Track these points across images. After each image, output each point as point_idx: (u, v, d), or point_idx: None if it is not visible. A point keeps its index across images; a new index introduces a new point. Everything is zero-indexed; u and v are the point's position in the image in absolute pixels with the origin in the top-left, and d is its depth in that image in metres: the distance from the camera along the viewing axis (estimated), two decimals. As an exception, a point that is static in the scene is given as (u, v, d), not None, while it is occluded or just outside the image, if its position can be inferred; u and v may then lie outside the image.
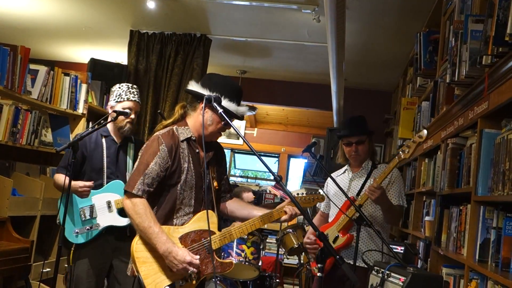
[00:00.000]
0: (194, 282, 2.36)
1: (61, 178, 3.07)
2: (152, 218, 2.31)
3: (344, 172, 3.25)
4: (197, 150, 2.45)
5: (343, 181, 3.19)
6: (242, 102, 2.53)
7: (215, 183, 2.50)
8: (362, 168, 3.14)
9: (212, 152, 2.51)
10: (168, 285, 2.32)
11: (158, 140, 2.37)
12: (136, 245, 2.35)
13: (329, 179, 3.26)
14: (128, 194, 2.35)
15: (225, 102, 2.37)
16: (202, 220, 2.41)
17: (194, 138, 2.44)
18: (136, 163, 2.40)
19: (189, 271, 2.29)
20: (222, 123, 2.39)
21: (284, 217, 2.49)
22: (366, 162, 3.15)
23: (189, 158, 2.41)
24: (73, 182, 2.97)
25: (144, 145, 2.43)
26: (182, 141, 2.41)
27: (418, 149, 3.75)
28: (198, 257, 2.32)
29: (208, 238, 2.39)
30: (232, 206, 2.66)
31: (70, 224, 3.07)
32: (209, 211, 2.42)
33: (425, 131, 2.68)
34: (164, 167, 2.35)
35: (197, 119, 2.43)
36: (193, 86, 2.44)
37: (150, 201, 2.38)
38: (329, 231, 3.05)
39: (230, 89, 2.41)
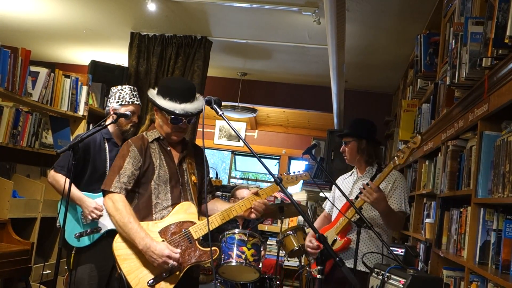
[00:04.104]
0: (178, 273, 2.41)
1: (61, 179, 3.06)
2: (131, 214, 2.40)
3: (351, 174, 3.26)
4: (168, 148, 2.60)
5: (348, 184, 3.20)
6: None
7: (193, 178, 2.61)
8: (366, 172, 3.13)
9: (186, 151, 2.65)
10: (152, 279, 2.38)
11: (128, 143, 2.55)
12: (116, 243, 2.44)
13: (338, 179, 3.33)
14: (106, 193, 2.47)
15: (164, 102, 2.48)
16: (181, 212, 2.51)
17: (162, 137, 2.59)
18: (111, 167, 2.55)
19: (169, 264, 2.35)
20: (169, 119, 2.50)
21: (252, 215, 2.61)
22: (370, 166, 3.14)
23: (161, 155, 2.56)
24: (84, 200, 3.01)
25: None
26: (152, 141, 2.57)
27: (418, 151, 3.76)
28: (178, 250, 2.40)
29: (189, 229, 2.48)
30: (211, 205, 2.74)
31: (70, 228, 3.06)
32: (187, 202, 2.54)
33: (418, 137, 2.70)
34: (137, 166, 2.49)
35: (158, 123, 2.60)
36: (150, 92, 2.60)
37: (129, 200, 2.49)
38: (328, 233, 3.06)
39: (171, 89, 2.50)
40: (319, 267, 2.10)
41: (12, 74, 3.73)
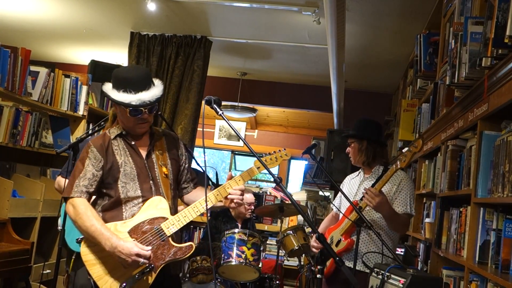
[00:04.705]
0: (152, 273, 2.28)
1: (63, 183, 3.06)
2: (93, 216, 2.28)
3: (358, 174, 3.25)
4: (133, 143, 2.45)
5: (354, 184, 3.20)
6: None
7: (164, 170, 2.46)
8: (373, 173, 3.12)
9: (154, 142, 2.49)
10: (124, 282, 2.25)
11: (87, 145, 2.42)
12: (83, 248, 2.32)
13: (345, 180, 3.33)
14: (67, 199, 2.35)
15: (119, 95, 2.33)
16: (152, 208, 2.36)
17: (124, 132, 2.44)
18: (71, 172, 2.42)
19: (140, 263, 2.22)
20: (128, 112, 2.35)
21: (232, 205, 2.43)
22: (376, 167, 3.13)
23: (126, 151, 2.42)
24: None
25: None
26: (114, 138, 2.43)
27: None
28: (149, 247, 2.26)
29: (160, 225, 2.33)
30: (193, 195, 2.60)
31: (72, 232, 3.05)
32: (158, 197, 2.38)
33: (420, 141, 2.71)
34: (99, 166, 2.37)
35: (119, 117, 2.45)
36: (104, 86, 2.43)
37: (97, 201, 2.40)
38: (334, 234, 3.06)
39: (124, 79, 2.35)
40: (319, 267, 2.10)
41: (12, 73, 3.73)
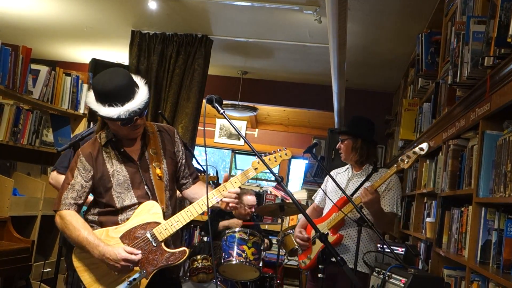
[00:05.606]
0: (144, 279, 2.24)
1: (61, 179, 3.05)
2: (80, 226, 2.25)
3: (346, 170, 3.25)
4: (122, 150, 2.36)
5: (342, 179, 3.20)
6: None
7: (158, 171, 2.38)
8: (363, 170, 3.14)
9: (146, 142, 2.40)
10: None
11: (77, 154, 2.37)
12: (74, 255, 2.31)
13: (331, 173, 3.32)
14: (56, 212, 2.32)
15: (106, 109, 2.22)
16: (144, 213, 2.31)
17: (114, 139, 2.36)
18: (62, 183, 2.38)
19: (130, 267, 2.19)
20: (119, 123, 2.24)
21: (228, 208, 2.37)
22: (367, 165, 3.14)
23: (118, 158, 2.35)
24: None
25: None
26: (105, 145, 2.36)
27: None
28: (139, 251, 2.22)
29: (153, 231, 2.28)
30: (191, 192, 2.54)
31: None
32: (150, 201, 2.33)
33: (426, 144, 2.68)
34: (88, 177, 2.32)
35: (111, 127, 2.34)
36: (88, 99, 2.35)
37: (92, 207, 2.37)
38: (319, 227, 3.04)
39: (106, 93, 2.23)
40: (320, 266, 2.10)
41: (13, 72, 3.73)
